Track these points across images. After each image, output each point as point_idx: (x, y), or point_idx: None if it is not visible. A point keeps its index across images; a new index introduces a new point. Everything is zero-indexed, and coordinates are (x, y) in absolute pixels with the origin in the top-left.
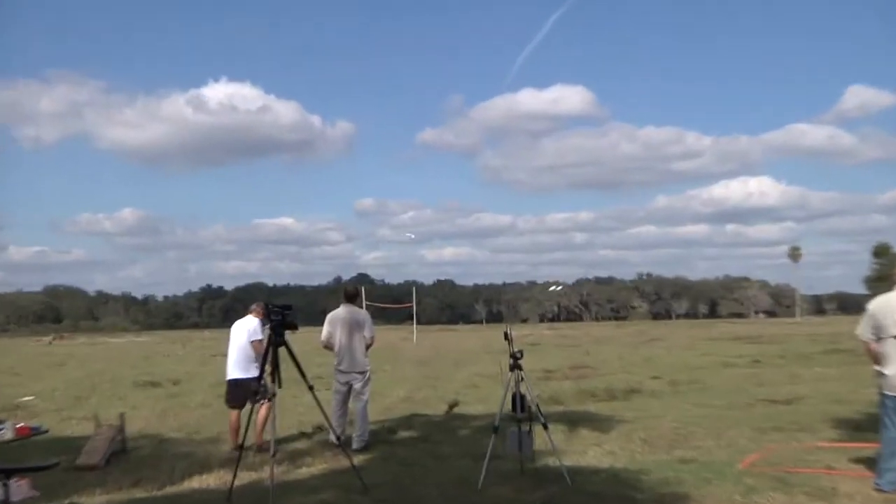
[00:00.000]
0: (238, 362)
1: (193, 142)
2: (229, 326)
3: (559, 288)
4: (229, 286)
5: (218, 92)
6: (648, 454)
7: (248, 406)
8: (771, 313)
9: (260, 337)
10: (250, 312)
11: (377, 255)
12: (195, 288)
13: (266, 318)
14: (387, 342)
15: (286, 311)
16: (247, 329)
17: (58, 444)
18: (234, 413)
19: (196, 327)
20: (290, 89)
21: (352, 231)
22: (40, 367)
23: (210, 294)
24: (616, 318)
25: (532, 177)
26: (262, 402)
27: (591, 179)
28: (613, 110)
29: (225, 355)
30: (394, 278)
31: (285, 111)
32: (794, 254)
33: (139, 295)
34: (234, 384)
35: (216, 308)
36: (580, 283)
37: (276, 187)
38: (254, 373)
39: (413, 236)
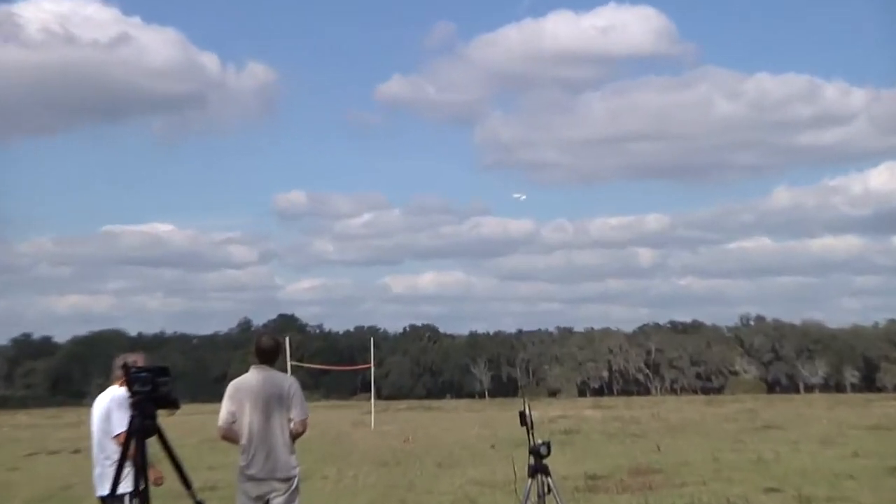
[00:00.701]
0: (102, 465)
1: None
2: (58, 403)
3: (523, 197)
4: (62, 336)
5: (42, 10)
6: None
7: None
8: None
9: (121, 429)
10: (115, 379)
11: (311, 285)
12: (2, 340)
13: (127, 387)
14: (329, 428)
15: (159, 377)
16: (100, 408)
17: None
18: None
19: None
20: (168, 9)
21: (269, 244)
22: None
23: (28, 350)
24: (706, 391)
25: (567, 156)
26: None
27: (666, 161)
28: (704, 47)
29: (54, 453)
30: (339, 322)
31: (158, 44)
32: None
33: None
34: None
35: (38, 373)
36: (645, 330)
37: (142, 173)
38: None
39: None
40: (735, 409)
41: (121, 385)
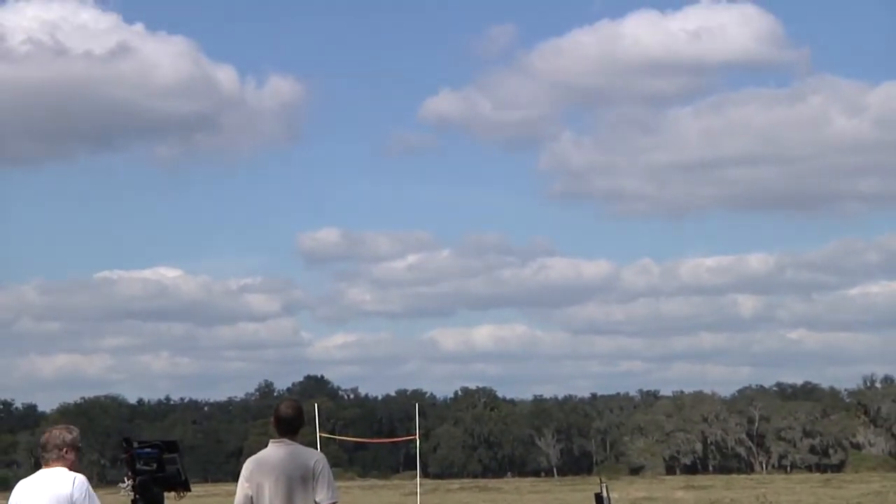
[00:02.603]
0: None
1: None
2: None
3: None
4: (48, 404)
5: (27, 17)
6: None
7: None
8: None
9: None
10: (45, 460)
11: (344, 341)
12: None
13: (127, 467)
14: None
15: (166, 453)
16: (48, 496)
17: None
18: None
19: None
20: (177, 14)
21: (295, 293)
22: None
23: (9, 421)
24: (822, 468)
25: (652, 185)
26: None
27: (773, 189)
28: (818, 52)
29: None
30: (377, 386)
31: (164, 56)
32: None
33: None
34: None
35: (21, 448)
36: (747, 395)
37: (144, 208)
38: None
39: None
40: (859, 491)
41: (66, 468)
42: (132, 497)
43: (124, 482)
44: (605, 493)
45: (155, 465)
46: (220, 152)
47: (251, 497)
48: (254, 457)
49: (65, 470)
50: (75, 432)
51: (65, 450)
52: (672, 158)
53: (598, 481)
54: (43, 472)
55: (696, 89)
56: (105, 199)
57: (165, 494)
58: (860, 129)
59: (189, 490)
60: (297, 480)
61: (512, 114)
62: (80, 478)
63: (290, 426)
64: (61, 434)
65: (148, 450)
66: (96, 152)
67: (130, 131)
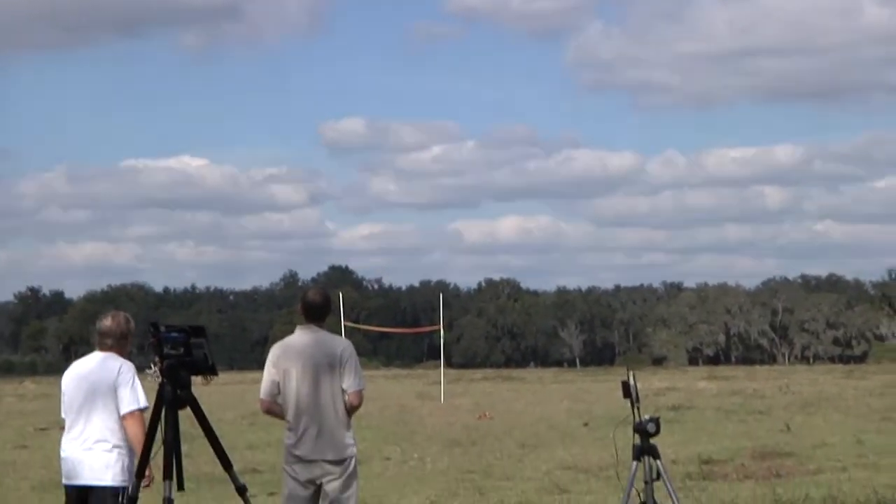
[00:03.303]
0: (86, 451)
1: None
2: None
3: None
4: (75, 292)
5: None
6: None
7: None
8: None
9: (140, 406)
10: (100, 344)
11: (369, 232)
12: (5, 295)
13: (154, 351)
14: (391, 401)
15: (193, 338)
16: (101, 380)
17: None
18: None
19: (9, 372)
20: None
21: (320, 183)
22: None
23: (36, 308)
24: (845, 359)
25: (680, 75)
26: None
27: (801, 80)
28: None
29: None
30: (402, 276)
31: None
32: None
33: None
34: (70, 496)
35: (48, 334)
36: (771, 286)
37: (169, 97)
38: (121, 475)
39: None
40: (882, 382)
41: (116, 354)
42: (159, 381)
43: (151, 368)
44: (632, 382)
45: (182, 350)
46: (245, 41)
47: (278, 382)
48: (281, 342)
49: (114, 355)
50: (132, 323)
51: (122, 338)
52: (701, 49)
53: (625, 371)
54: (95, 356)
55: None
56: (130, 87)
57: (192, 379)
58: (893, 18)
59: (216, 374)
60: (324, 367)
61: (540, 3)
62: (127, 364)
63: (318, 313)
64: (123, 325)
65: (175, 334)
66: (121, 41)
67: (156, 19)
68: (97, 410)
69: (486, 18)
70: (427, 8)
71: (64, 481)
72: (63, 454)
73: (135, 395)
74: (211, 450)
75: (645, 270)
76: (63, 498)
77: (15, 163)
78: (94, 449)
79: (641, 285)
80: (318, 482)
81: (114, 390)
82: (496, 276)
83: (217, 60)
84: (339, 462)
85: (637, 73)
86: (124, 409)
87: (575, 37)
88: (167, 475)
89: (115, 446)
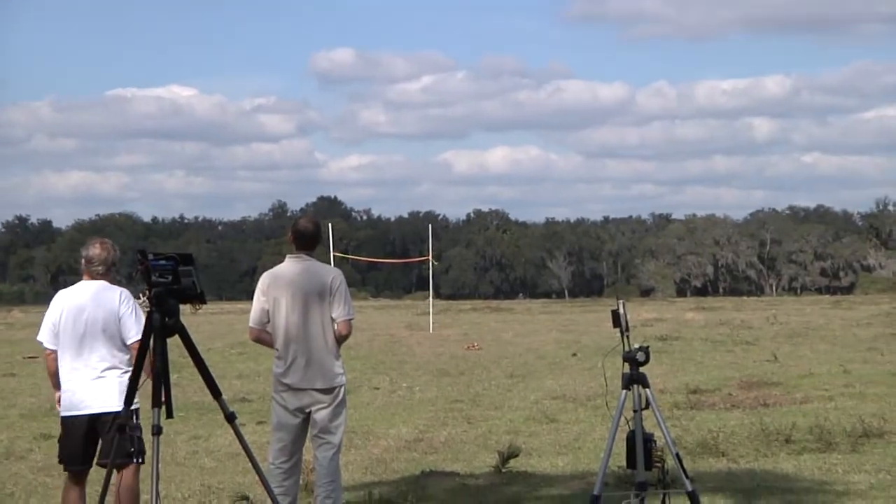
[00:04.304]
0: (95, 381)
1: None
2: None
3: None
4: (63, 221)
5: None
6: None
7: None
8: None
9: (136, 338)
10: (90, 272)
11: (358, 162)
12: None
13: (143, 279)
14: (380, 331)
15: (181, 266)
16: (102, 309)
17: None
18: (73, 491)
19: None
20: None
21: (309, 114)
22: None
23: (24, 237)
24: (832, 290)
25: (669, 6)
26: (132, 459)
27: (790, 10)
28: None
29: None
30: (391, 207)
31: None
32: None
33: None
34: (74, 426)
35: (36, 263)
36: (759, 218)
37: (156, 25)
38: (114, 402)
39: None
40: (868, 313)
41: (107, 282)
42: (147, 309)
43: (139, 298)
44: (622, 310)
45: (170, 277)
46: None
47: (267, 311)
48: (270, 271)
49: (107, 283)
50: (118, 251)
51: (112, 266)
52: None
53: (614, 301)
54: (88, 284)
55: None
56: (117, 16)
57: (181, 307)
58: None
59: (204, 302)
60: (314, 295)
61: None
62: (126, 292)
63: (309, 241)
64: (112, 252)
65: (163, 262)
66: None
67: None
68: (102, 340)
69: None
70: None
71: (64, 413)
72: (65, 385)
73: (140, 324)
74: (200, 378)
75: (634, 202)
76: (56, 427)
77: (4, 91)
78: (105, 376)
79: (630, 216)
80: (307, 410)
81: (117, 319)
82: (485, 208)
83: None
84: (328, 391)
85: (627, 4)
86: (132, 339)
87: None
88: (156, 403)
89: (124, 372)
